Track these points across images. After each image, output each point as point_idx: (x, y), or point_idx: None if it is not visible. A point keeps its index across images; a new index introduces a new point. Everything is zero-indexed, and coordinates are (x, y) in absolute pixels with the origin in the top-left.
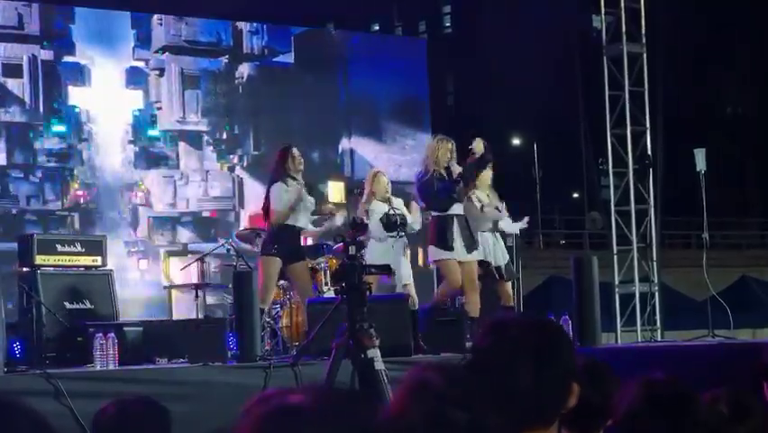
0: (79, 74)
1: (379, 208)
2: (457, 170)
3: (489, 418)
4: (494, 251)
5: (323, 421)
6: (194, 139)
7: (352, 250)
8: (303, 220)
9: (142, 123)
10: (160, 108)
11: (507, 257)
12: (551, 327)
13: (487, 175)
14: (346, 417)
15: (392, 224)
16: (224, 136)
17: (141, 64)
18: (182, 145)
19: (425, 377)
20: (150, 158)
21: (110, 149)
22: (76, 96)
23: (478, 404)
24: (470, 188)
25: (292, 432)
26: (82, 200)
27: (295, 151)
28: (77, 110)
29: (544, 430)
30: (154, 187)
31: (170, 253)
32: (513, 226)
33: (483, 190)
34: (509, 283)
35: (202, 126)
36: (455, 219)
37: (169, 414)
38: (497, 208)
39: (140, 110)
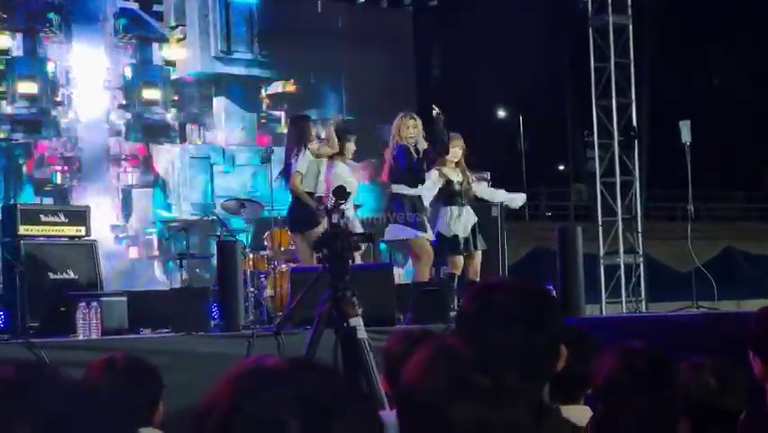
0: None
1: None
2: (423, 146)
3: (512, 382)
4: (460, 223)
5: (295, 382)
6: None
7: (334, 218)
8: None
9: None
10: None
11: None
12: (539, 292)
13: (454, 152)
14: (319, 381)
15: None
16: None
17: None
18: None
19: (447, 344)
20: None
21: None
22: None
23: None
24: (437, 165)
25: (264, 391)
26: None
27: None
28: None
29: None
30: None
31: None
32: (513, 201)
33: (449, 166)
34: (478, 256)
35: None
36: (413, 198)
37: (157, 370)
38: (466, 183)
39: None
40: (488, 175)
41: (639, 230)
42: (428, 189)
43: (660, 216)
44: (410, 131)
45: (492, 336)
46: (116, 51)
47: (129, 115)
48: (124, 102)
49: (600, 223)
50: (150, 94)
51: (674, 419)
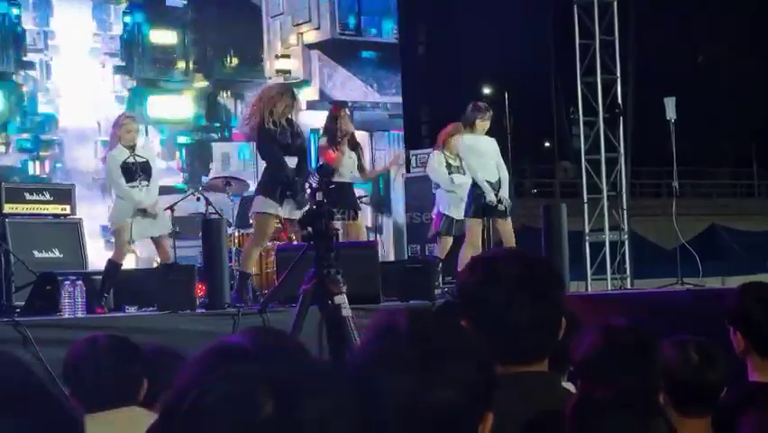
0: None
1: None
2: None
3: (448, 361)
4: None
5: (260, 357)
6: None
7: (319, 196)
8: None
9: None
10: None
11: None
12: (541, 262)
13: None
14: (283, 354)
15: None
16: None
17: None
18: None
19: (392, 319)
20: None
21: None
22: None
23: (439, 347)
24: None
25: (237, 368)
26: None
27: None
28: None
29: (540, 364)
30: None
31: None
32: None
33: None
34: (450, 239)
35: None
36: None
37: (139, 350)
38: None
39: None
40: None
41: (624, 207)
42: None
43: (645, 192)
44: (283, 108)
45: (495, 308)
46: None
47: None
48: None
49: (585, 200)
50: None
51: (655, 397)
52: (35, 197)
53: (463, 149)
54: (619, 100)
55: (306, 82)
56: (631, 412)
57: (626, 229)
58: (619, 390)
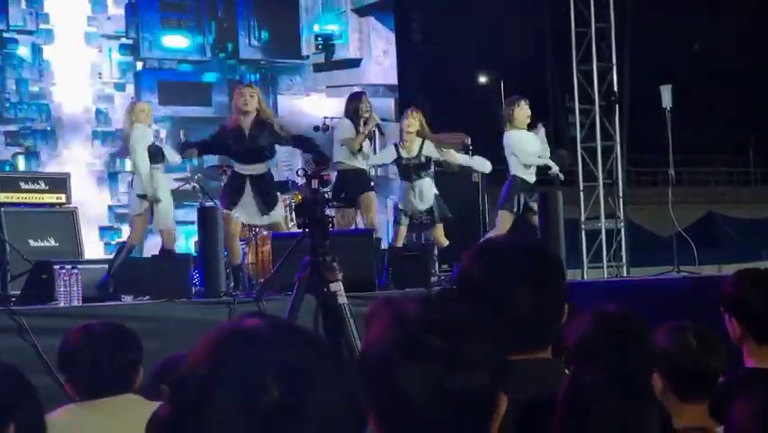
0: None
1: None
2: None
3: (469, 345)
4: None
5: (272, 342)
6: None
7: (314, 184)
8: None
9: None
10: None
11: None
12: (544, 250)
13: None
14: (295, 342)
15: None
16: None
17: None
18: None
19: (402, 306)
20: None
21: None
22: None
23: (457, 331)
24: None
25: (244, 353)
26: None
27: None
28: None
29: (543, 351)
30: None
31: None
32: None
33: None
34: (440, 226)
35: None
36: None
37: (136, 336)
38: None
39: None
40: (468, 140)
41: (620, 195)
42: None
43: (641, 180)
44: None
45: (499, 297)
46: None
47: None
48: None
49: (581, 188)
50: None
51: (647, 382)
52: (30, 186)
53: (508, 146)
54: (615, 88)
55: None
56: (623, 396)
57: (622, 217)
58: (611, 374)
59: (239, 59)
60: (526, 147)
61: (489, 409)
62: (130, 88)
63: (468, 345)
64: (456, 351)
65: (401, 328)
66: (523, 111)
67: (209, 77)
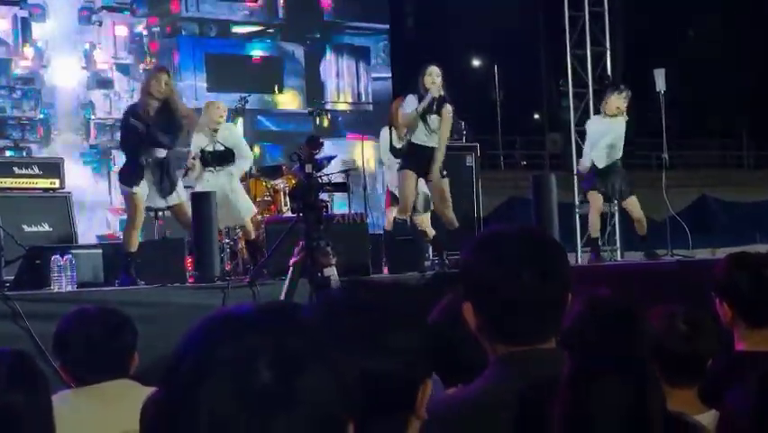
0: None
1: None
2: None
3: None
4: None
5: (265, 326)
6: None
7: (308, 168)
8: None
9: None
10: None
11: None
12: (547, 238)
13: None
14: (292, 329)
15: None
16: None
17: None
18: None
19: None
20: None
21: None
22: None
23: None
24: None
25: (236, 339)
26: None
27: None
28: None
29: (549, 341)
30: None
31: None
32: None
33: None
34: (427, 215)
35: None
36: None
37: (130, 321)
38: None
39: None
40: (463, 124)
41: None
42: None
43: (634, 164)
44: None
45: (502, 289)
46: None
47: None
48: None
49: (575, 172)
50: None
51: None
52: (24, 171)
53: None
54: (609, 72)
55: None
56: (627, 380)
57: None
58: (604, 359)
59: None
60: (591, 135)
61: (408, 394)
62: None
63: (387, 332)
64: (371, 336)
65: (323, 311)
66: (613, 102)
67: None
